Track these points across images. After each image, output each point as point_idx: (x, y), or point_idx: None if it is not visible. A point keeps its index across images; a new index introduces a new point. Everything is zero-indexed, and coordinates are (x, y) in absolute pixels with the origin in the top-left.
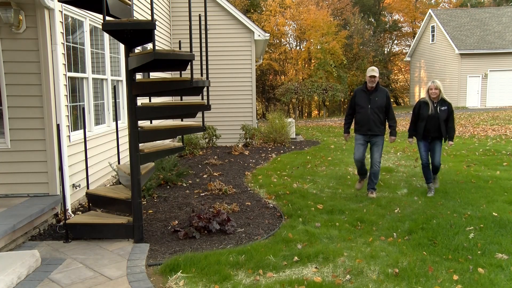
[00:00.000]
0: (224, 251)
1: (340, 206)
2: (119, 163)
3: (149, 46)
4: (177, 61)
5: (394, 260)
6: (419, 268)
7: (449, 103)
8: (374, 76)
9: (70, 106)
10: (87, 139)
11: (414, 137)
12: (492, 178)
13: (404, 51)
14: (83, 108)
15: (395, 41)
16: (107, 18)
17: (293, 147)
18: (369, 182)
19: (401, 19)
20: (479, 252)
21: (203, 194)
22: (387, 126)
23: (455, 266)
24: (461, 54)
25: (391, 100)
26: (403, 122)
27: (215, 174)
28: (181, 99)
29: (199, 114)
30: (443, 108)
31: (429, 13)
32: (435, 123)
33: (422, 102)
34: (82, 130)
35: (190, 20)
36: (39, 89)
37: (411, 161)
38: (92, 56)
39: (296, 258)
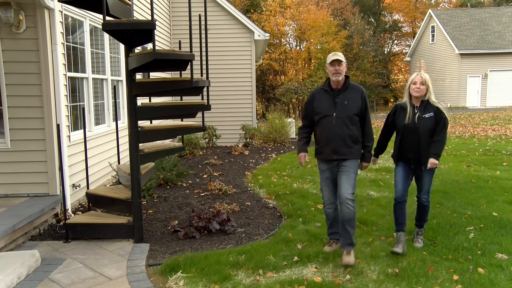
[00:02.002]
0: (224, 251)
1: None
2: (119, 163)
3: (149, 46)
4: (177, 61)
5: (394, 260)
6: (419, 268)
7: (439, 108)
8: (340, 62)
9: (70, 106)
10: (87, 139)
11: (393, 157)
12: (492, 178)
13: (404, 51)
14: (83, 108)
15: (395, 41)
16: (107, 18)
17: (293, 147)
18: (342, 234)
19: (401, 19)
20: (479, 252)
21: (203, 194)
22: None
23: (455, 266)
24: (461, 54)
25: (372, 104)
26: None
27: (215, 174)
28: (181, 99)
29: (199, 114)
30: (427, 115)
31: (429, 13)
32: (413, 138)
33: (398, 107)
34: (82, 130)
35: (190, 20)
36: (39, 89)
37: None
38: (92, 56)
39: (296, 258)
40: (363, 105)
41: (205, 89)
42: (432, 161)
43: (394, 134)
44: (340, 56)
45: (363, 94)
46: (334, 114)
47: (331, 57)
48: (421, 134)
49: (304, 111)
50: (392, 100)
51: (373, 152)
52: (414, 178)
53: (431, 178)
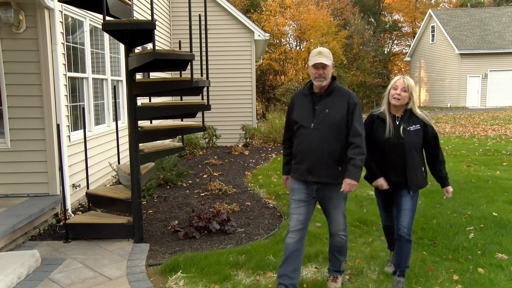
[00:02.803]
0: (224, 251)
1: None
2: (119, 163)
3: (149, 46)
4: (177, 61)
5: None
6: (419, 268)
7: (426, 121)
8: (324, 66)
9: (70, 106)
10: (87, 139)
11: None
12: (492, 178)
13: (404, 51)
14: (83, 108)
15: (395, 41)
16: (107, 18)
17: None
18: (332, 261)
19: (401, 19)
20: (479, 252)
21: (203, 194)
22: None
23: (455, 266)
24: (461, 54)
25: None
26: None
27: (215, 174)
28: (181, 99)
29: (199, 114)
30: (413, 127)
31: (429, 13)
32: (396, 156)
33: (375, 117)
34: (82, 130)
35: (190, 20)
36: (39, 89)
37: None
38: (92, 56)
39: None
40: (350, 114)
41: (205, 89)
42: (450, 189)
43: None
44: (325, 57)
45: (351, 100)
46: (312, 124)
47: (314, 58)
48: (406, 151)
49: (286, 120)
50: None
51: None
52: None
53: (415, 205)
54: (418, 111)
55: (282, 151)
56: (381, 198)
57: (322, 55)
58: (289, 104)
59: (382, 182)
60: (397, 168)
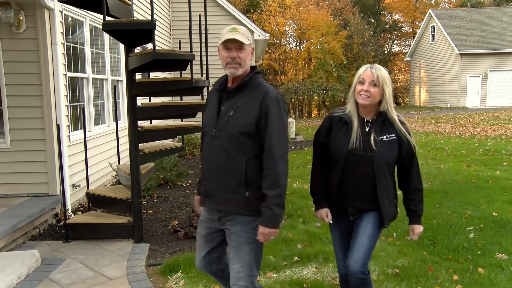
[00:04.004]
0: None
1: None
2: (119, 163)
3: (149, 46)
4: (177, 61)
5: (394, 260)
6: (419, 268)
7: (401, 131)
8: (240, 45)
9: (70, 106)
10: (87, 139)
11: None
12: (492, 178)
13: (404, 51)
14: (83, 108)
15: (395, 41)
16: (107, 18)
17: (293, 147)
18: None
19: (401, 19)
20: (479, 252)
21: None
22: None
23: (455, 266)
24: (461, 54)
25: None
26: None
27: None
28: (181, 99)
29: (199, 114)
30: (387, 137)
31: (429, 13)
32: (363, 174)
33: (335, 120)
34: (82, 130)
35: (190, 20)
36: (39, 89)
37: None
38: (92, 56)
39: (296, 258)
40: (263, 121)
41: (205, 89)
42: (418, 229)
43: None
44: (241, 35)
45: (266, 100)
46: (214, 131)
47: (225, 34)
48: (377, 168)
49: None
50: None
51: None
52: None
53: (376, 234)
54: (394, 115)
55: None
56: (341, 230)
57: (237, 32)
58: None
59: (323, 215)
60: (363, 191)
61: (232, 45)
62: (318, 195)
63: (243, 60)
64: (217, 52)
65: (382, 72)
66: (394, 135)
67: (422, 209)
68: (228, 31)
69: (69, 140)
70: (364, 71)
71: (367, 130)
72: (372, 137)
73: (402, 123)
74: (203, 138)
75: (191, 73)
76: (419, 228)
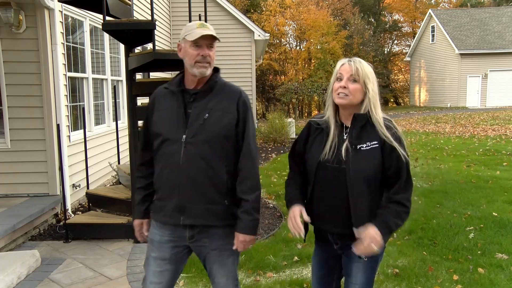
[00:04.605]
0: None
1: None
2: (119, 163)
3: (149, 46)
4: (177, 61)
5: (394, 260)
6: (419, 268)
7: (391, 134)
8: (212, 41)
9: (70, 106)
10: (87, 139)
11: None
12: (492, 178)
13: (404, 51)
14: (83, 108)
15: (395, 41)
16: (107, 18)
17: None
18: None
19: (401, 19)
20: (479, 252)
21: None
22: None
23: (455, 266)
24: (461, 54)
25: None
26: (403, 122)
27: None
28: None
29: None
30: (366, 146)
31: (429, 13)
32: (335, 190)
33: (314, 126)
34: (82, 130)
35: (190, 20)
36: (39, 89)
37: (411, 161)
38: (92, 56)
39: (296, 258)
40: (241, 123)
41: None
42: (369, 239)
43: None
44: (211, 30)
45: (242, 101)
46: (184, 137)
47: (196, 30)
48: (352, 183)
49: (142, 133)
50: (391, 100)
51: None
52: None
53: (371, 277)
54: (378, 117)
55: (137, 182)
56: (320, 255)
57: (208, 28)
58: (147, 107)
59: (295, 214)
60: (337, 213)
61: (203, 42)
62: (290, 195)
63: (213, 59)
64: (217, 52)
65: (363, 65)
66: (375, 142)
67: (396, 224)
68: (198, 27)
69: (69, 140)
70: (342, 65)
71: (344, 137)
72: (344, 145)
73: (388, 127)
74: (163, 147)
75: None
76: (373, 232)
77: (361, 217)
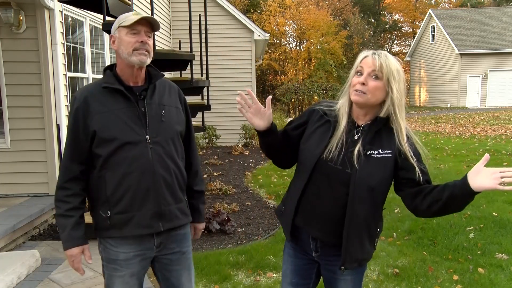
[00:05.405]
0: (224, 251)
1: None
2: None
3: None
4: (177, 61)
5: (394, 260)
6: (419, 268)
7: (401, 147)
8: (152, 27)
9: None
10: None
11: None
12: None
13: (404, 51)
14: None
15: (395, 41)
16: (107, 18)
17: None
18: None
19: (401, 19)
20: (479, 252)
21: None
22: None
23: (455, 266)
24: (461, 54)
25: None
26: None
27: (215, 174)
28: None
29: (199, 114)
30: (376, 152)
31: (429, 13)
32: (334, 195)
33: (319, 114)
34: None
35: (190, 20)
36: (39, 89)
37: None
38: (92, 56)
39: None
40: (186, 116)
41: (205, 89)
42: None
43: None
44: (151, 17)
45: (181, 95)
46: (147, 137)
47: (131, 16)
48: (353, 191)
49: (69, 142)
50: None
51: None
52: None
53: (360, 286)
54: (400, 124)
55: (59, 203)
56: (294, 258)
57: (142, 15)
58: (75, 112)
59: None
60: (328, 218)
61: (142, 28)
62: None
63: (151, 48)
64: (217, 52)
65: (390, 60)
66: (389, 151)
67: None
68: (133, 14)
69: None
70: (364, 58)
71: (355, 138)
72: (357, 149)
73: (408, 138)
74: (121, 152)
75: (191, 73)
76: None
77: (354, 229)
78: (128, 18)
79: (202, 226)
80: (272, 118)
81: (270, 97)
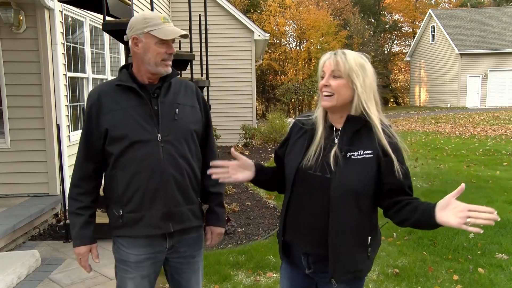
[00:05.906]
0: (224, 251)
1: None
2: None
3: None
4: (177, 61)
5: (394, 260)
6: (419, 268)
7: (381, 145)
8: (174, 40)
9: (70, 106)
10: None
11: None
12: (492, 178)
13: (404, 51)
14: (83, 108)
15: (395, 41)
16: (107, 18)
17: None
18: None
19: (401, 19)
20: (479, 252)
21: None
22: None
23: (455, 266)
24: (461, 54)
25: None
26: (403, 122)
27: None
28: None
29: None
30: (358, 154)
31: (429, 13)
32: (316, 205)
33: (296, 126)
34: None
35: (190, 20)
36: (39, 89)
37: (410, 161)
38: (92, 56)
39: None
40: (204, 118)
41: (205, 89)
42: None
43: None
44: (186, 34)
45: (199, 93)
46: (159, 135)
47: (165, 26)
48: (334, 197)
49: (84, 141)
50: (392, 100)
51: None
52: None
53: None
54: (374, 119)
55: (72, 202)
56: (289, 276)
57: (171, 23)
58: (90, 108)
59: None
60: (316, 227)
61: (170, 41)
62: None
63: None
64: (217, 52)
65: (347, 57)
66: (370, 151)
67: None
68: (164, 22)
69: (69, 140)
70: (326, 59)
71: (335, 142)
72: (333, 152)
73: (388, 135)
74: (132, 150)
75: (191, 73)
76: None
77: (339, 237)
78: (161, 28)
79: (220, 230)
80: (253, 162)
81: (232, 149)
